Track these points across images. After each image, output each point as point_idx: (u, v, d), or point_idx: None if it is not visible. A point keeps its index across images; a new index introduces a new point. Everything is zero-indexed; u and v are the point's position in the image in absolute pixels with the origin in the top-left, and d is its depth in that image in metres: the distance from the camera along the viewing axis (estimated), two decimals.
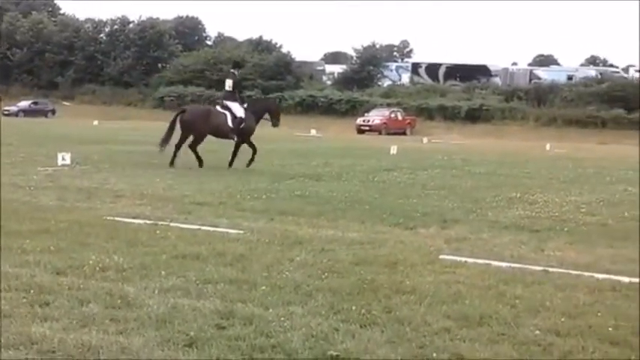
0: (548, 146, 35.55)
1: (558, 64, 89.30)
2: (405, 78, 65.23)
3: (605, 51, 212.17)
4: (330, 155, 24.00)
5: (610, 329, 5.72)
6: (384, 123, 49.30)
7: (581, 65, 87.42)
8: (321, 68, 72.99)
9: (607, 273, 7.67)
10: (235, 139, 18.54)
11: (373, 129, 48.63)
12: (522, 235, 9.91)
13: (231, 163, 18.37)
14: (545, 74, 63.50)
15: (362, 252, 8.36)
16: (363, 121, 50.31)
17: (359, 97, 57.07)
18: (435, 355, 5.11)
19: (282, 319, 5.68)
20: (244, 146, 18.60)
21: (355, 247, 8.62)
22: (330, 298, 6.36)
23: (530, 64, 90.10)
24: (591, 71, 65.26)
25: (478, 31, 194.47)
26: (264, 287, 6.58)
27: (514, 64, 78.21)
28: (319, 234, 9.40)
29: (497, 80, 60.19)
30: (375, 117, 50.18)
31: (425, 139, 40.29)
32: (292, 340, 5.24)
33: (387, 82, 64.80)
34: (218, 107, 18.84)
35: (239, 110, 18.44)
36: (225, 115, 18.33)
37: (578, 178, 18.85)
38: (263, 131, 20.63)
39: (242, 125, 18.36)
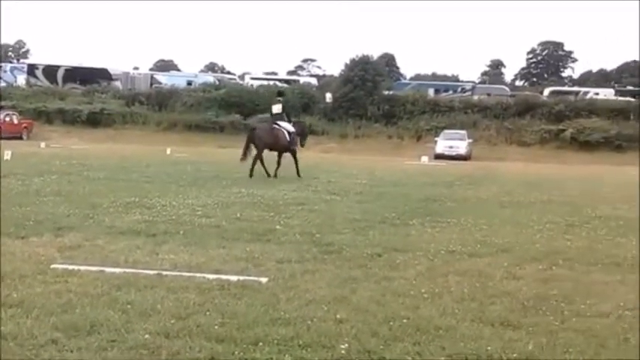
0: (169, 150, 36.17)
1: (178, 69, 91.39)
2: (21, 80, 61.95)
3: (223, 58, 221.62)
4: None
5: (217, 327, 5.98)
6: None
7: (201, 71, 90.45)
8: None
9: (217, 273, 8.02)
10: (295, 150, 22.58)
11: None
12: (138, 239, 9.96)
13: (298, 172, 22.04)
14: (165, 79, 64.55)
15: None
16: None
17: None
18: None
19: None
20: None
21: None
22: None
23: (151, 69, 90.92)
24: (210, 77, 67.62)
25: (98, 34, 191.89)
26: None
27: (135, 68, 78.37)
28: None
29: (118, 84, 59.70)
30: None
31: (43, 144, 38.76)
32: None
33: (1, 84, 61.04)
34: (275, 126, 22.33)
35: (290, 128, 22.58)
36: (283, 132, 22.15)
37: (196, 181, 19.40)
38: None
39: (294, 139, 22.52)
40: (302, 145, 23.71)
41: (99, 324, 5.93)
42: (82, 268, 7.97)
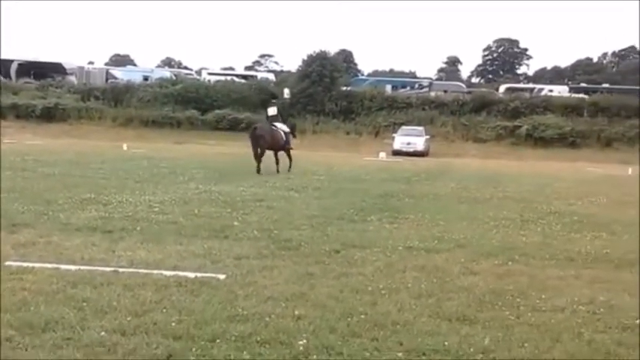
0: (125, 146, 35.76)
1: (135, 64, 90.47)
2: None
3: (180, 53, 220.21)
4: None
5: (174, 324, 5.94)
6: None
7: (157, 66, 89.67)
8: None
9: (175, 269, 7.97)
10: (290, 149, 24.41)
11: None
12: (94, 236, 9.86)
13: (289, 168, 23.58)
14: (121, 74, 63.84)
15: None
16: None
17: None
18: None
19: None
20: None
21: None
22: None
23: (106, 64, 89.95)
24: (166, 72, 67.06)
25: (53, 28, 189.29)
26: None
27: (90, 62, 77.36)
28: None
29: (72, 79, 58.84)
30: None
31: None
32: None
33: None
34: (274, 127, 23.94)
35: (285, 128, 24.50)
36: (280, 132, 23.89)
37: (153, 177, 19.23)
38: None
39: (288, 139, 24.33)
40: (294, 137, 25.96)
41: (54, 321, 5.87)
42: (37, 265, 7.87)
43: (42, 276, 7.39)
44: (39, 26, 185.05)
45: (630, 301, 7.44)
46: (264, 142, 23.11)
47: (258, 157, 22.76)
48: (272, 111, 24.90)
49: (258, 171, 22.22)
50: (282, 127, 24.38)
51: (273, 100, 26.77)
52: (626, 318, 6.76)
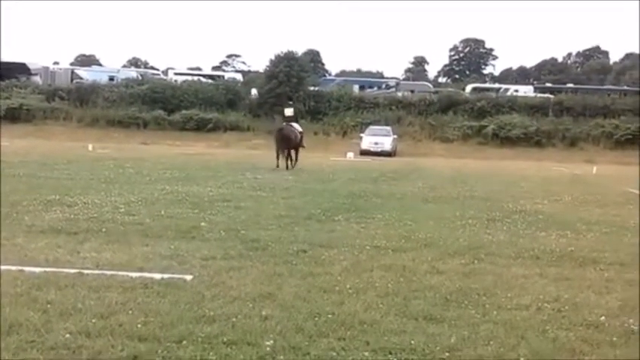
0: (90, 147, 35.52)
1: (100, 64, 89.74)
2: None
3: (146, 53, 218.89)
4: None
5: (139, 326, 5.89)
6: None
7: (123, 66, 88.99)
8: None
9: (140, 271, 7.90)
10: (303, 147, 27.45)
11: None
12: (59, 238, 9.74)
13: (293, 165, 26.22)
14: (87, 74, 63.27)
15: None
16: None
17: None
18: None
19: None
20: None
21: None
22: None
23: (72, 64, 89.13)
24: (133, 73, 66.63)
25: (16, 27, 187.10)
26: None
27: (55, 63, 76.61)
28: None
29: (37, 79, 58.26)
30: None
31: None
32: None
33: None
34: (293, 128, 26.55)
35: (300, 128, 27.25)
36: (297, 133, 26.54)
37: (119, 178, 19.09)
38: None
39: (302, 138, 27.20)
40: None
41: (18, 324, 5.79)
42: (2, 267, 7.75)
43: (6, 278, 7.29)
44: (2, 26, 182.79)
45: (594, 299, 7.53)
46: (291, 143, 25.95)
47: (284, 156, 25.62)
48: (289, 112, 27.45)
49: (287, 167, 25.52)
50: (297, 127, 27.02)
51: (290, 102, 30.19)
52: (591, 315, 6.84)
